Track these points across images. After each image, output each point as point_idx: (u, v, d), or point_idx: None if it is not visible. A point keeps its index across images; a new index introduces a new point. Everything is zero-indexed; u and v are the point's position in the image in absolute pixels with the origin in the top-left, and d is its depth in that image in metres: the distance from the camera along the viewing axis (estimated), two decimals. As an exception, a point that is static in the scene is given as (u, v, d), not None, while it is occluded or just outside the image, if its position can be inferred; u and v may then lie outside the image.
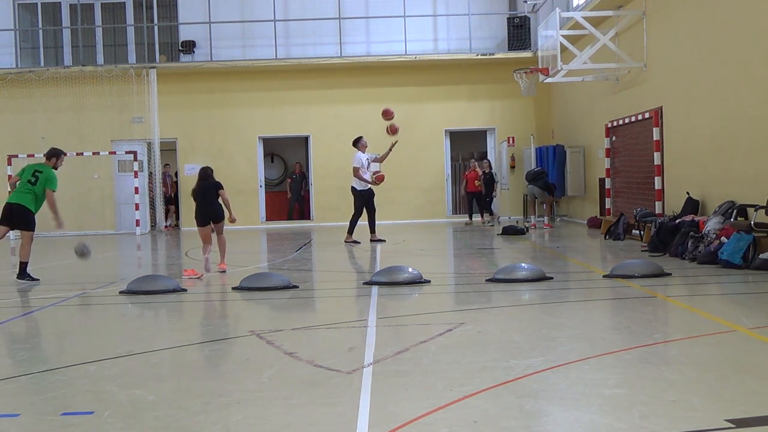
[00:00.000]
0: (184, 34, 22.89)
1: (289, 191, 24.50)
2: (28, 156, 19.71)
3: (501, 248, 14.01)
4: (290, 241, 17.28)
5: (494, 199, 20.66)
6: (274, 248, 16.37)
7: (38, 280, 10.47)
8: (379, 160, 15.81)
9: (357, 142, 15.62)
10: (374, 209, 15.72)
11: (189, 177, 22.54)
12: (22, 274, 10.45)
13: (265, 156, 23.83)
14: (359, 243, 15.27)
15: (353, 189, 15.50)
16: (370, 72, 22.47)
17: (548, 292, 8.22)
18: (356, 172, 15.29)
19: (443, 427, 3.80)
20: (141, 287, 8.96)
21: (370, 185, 15.50)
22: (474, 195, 20.31)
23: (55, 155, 11.00)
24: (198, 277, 10.27)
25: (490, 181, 20.16)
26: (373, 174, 15.60)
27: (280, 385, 4.69)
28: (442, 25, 23.23)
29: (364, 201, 15.49)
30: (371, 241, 15.42)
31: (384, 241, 15.44)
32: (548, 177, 19.03)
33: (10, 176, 9.92)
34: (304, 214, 23.99)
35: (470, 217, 20.64)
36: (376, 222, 15.83)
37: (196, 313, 8.31)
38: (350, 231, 15.51)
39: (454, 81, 22.56)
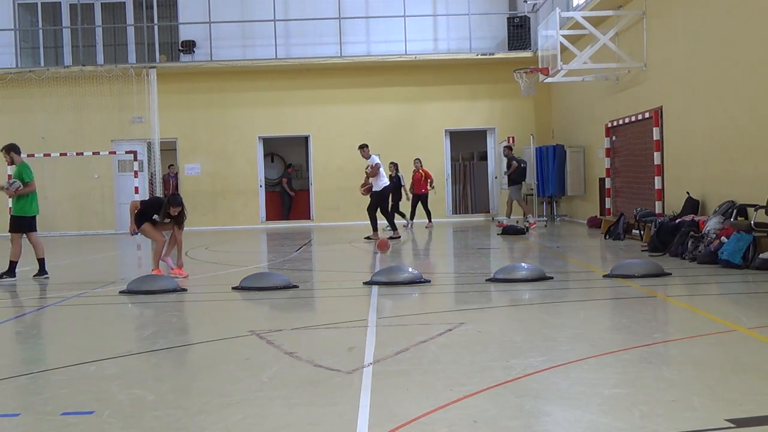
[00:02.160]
0: (184, 34, 22.90)
1: (291, 191, 24.54)
2: (28, 156, 19.66)
3: (501, 248, 14.02)
4: (290, 240, 17.28)
5: (399, 205, 19.13)
6: (274, 248, 16.37)
7: (15, 277, 10.63)
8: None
9: (367, 147, 16.17)
10: (377, 210, 16.20)
11: (189, 177, 22.58)
12: (42, 270, 10.73)
13: (265, 156, 23.84)
14: (400, 237, 15.96)
15: (374, 190, 15.91)
16: (370, 72, 22.48)
17: (548, 292, 8.22)
18: (377, 170, 15.74)
19: (443, 427, 3.80)
20: (141, 287, 8.96)
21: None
22: (419, 197, 19.49)
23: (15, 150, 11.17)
24: (184, 278, 10.22)
25: (396, 186, 18.60)
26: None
27: (280, 385, 4.69)
28: (442, 25, 23.23)
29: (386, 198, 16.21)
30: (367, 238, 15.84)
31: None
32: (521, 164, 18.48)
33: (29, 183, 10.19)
34: (296, 213, 24.08)
35: (411, 219, 19.75)
36: (363, 222, 16.46)
37: (196, 313, 8.30)
38: (393, 228, 16.24)
39: (454, 81, 22.57)
